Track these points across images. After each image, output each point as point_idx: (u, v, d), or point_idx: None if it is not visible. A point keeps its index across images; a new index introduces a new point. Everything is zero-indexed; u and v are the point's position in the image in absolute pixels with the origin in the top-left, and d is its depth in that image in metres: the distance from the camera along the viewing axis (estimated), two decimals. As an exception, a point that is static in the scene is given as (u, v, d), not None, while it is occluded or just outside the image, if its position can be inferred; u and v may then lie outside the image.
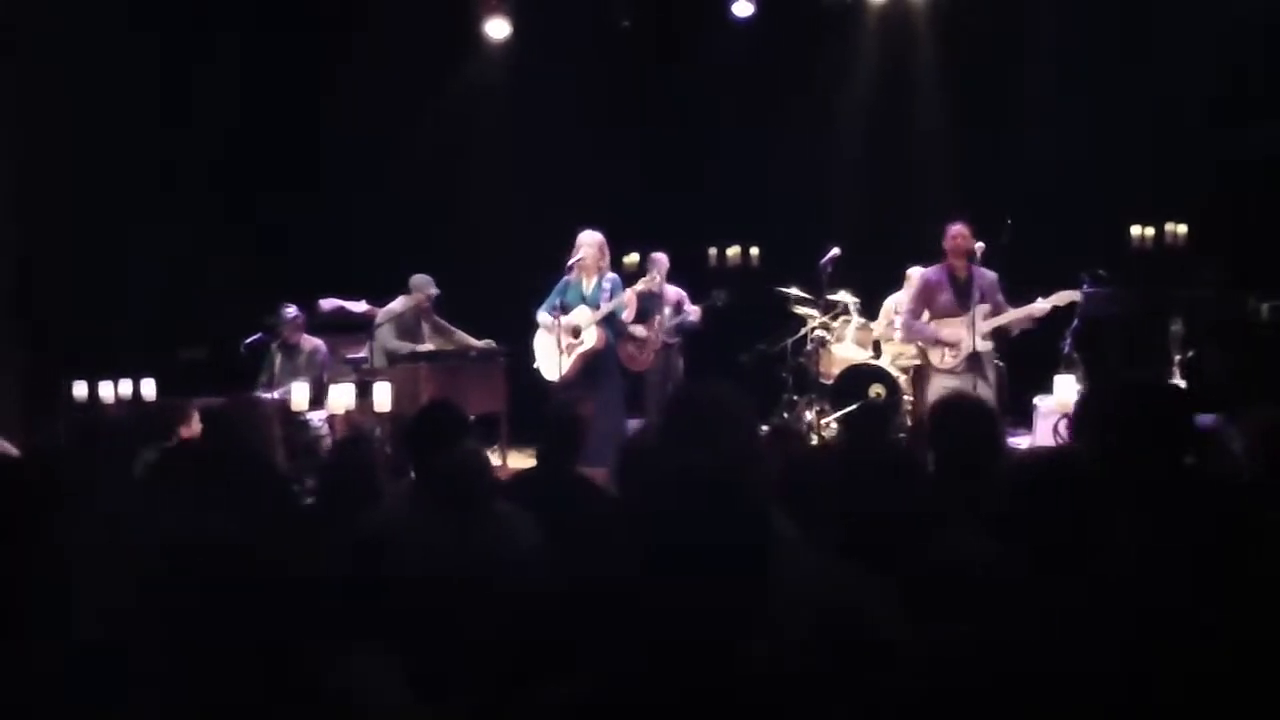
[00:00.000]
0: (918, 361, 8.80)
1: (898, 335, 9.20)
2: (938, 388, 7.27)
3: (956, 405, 3.97)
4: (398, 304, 8.86)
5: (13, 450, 5.92)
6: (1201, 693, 1.96)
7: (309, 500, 4.21)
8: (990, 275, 7.55)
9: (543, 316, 8.13)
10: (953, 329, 7.44)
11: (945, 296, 7.46)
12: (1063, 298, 7.50)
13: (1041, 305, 7.45)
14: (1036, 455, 3.62)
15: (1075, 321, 7.94)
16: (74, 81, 9.50)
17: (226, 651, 2.13)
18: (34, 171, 9.73)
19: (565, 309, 7.98)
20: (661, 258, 9.52)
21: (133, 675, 2.20)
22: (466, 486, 3.51)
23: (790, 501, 2.74)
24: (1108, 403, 2.96)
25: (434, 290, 8.87)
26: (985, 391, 7.23)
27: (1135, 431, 2.83)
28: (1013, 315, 7.42)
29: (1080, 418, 3.11)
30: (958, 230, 7.44)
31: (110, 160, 9.69)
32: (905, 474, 3.09)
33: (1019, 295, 7.68)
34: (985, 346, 7.40)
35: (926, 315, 7.70)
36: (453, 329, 8.93)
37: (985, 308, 7.42)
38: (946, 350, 7.39)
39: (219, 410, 4.47)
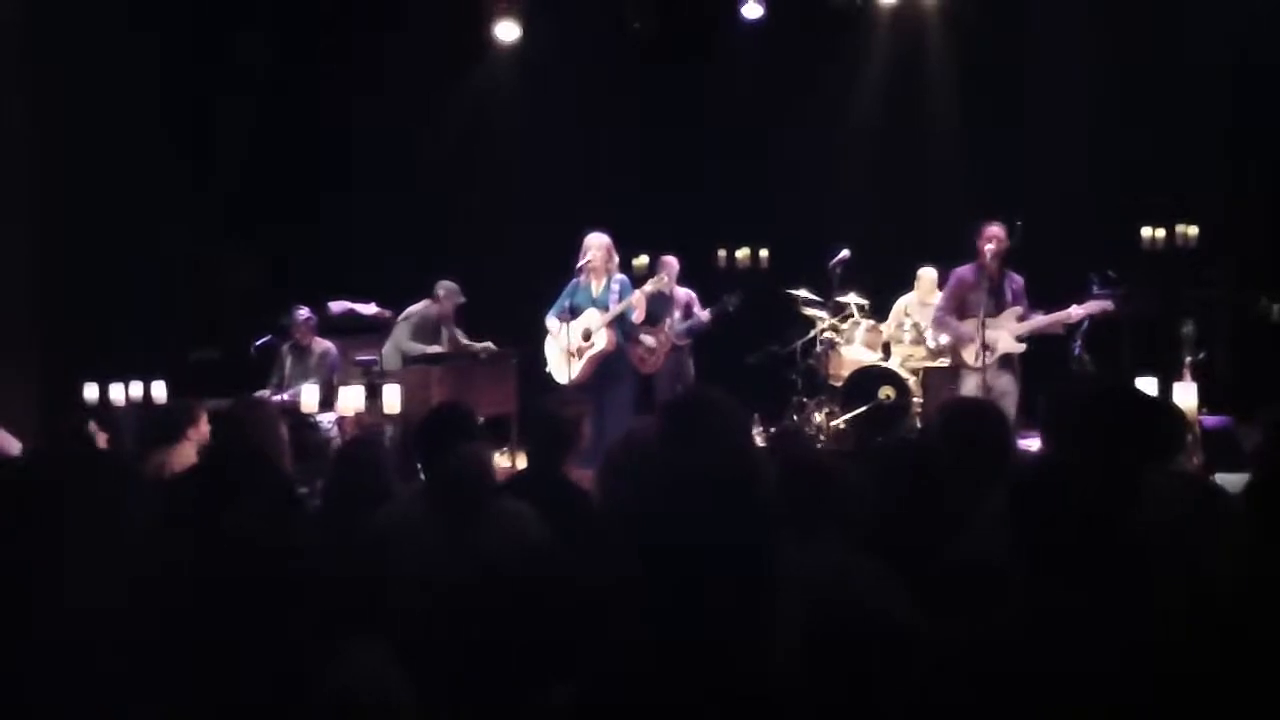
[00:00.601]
0: (928, 363, 8.79)
1: (907, 336, 9.19)
2: (970, 386, 7.25)
3: (965, 407, 3.96)
4: (419, 306, 8.90)
5: (14, 443, 5.94)
6: (1204, 693, 1.95)
7: (317, 502, 4.22)
8: (1019, 278, 7.52)
9: (552, 320, 8.12)
10: (989, 330, 7.39)
11: (979, 296, 7.41)
12: (1094, 306, 7.43)
13: (1077, 311, 7.38)
14: (1044, 457, 3.61)
15: (1085, 323, 7.92)
16: (87, 85, 9.53)
17: (231, 650, 2.14)
18: (46, 174, 9.77)
19: (575, 312, 7.97)
20: (671, 261, 9.52)
21: (137, 673, 2.21)
22: (467, 487, 3.51)
23: (793, 502, 2.73)
24: (1070, 406, 2.95)
25: (460, 299, 8.90)
26: (1013, 391, 7.23)
27: (1096, 434, 2.82)
28: (1047, 320, 7.36)
29: (1045, 422, 3.09)
30: (994, 231, 7.39)
31: (122, 163, 9.72)
32: (917, 474, 3.09)
33: (1030, 297, 7.66)
34: (1018, 348, 7.36)
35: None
36: (471, 343, 8.97)
37: (1017, 309, 7.38)
38: (977, 348, 7.35)
39: (225, 412, 4.47)
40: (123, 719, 2.22)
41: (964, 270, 7.52)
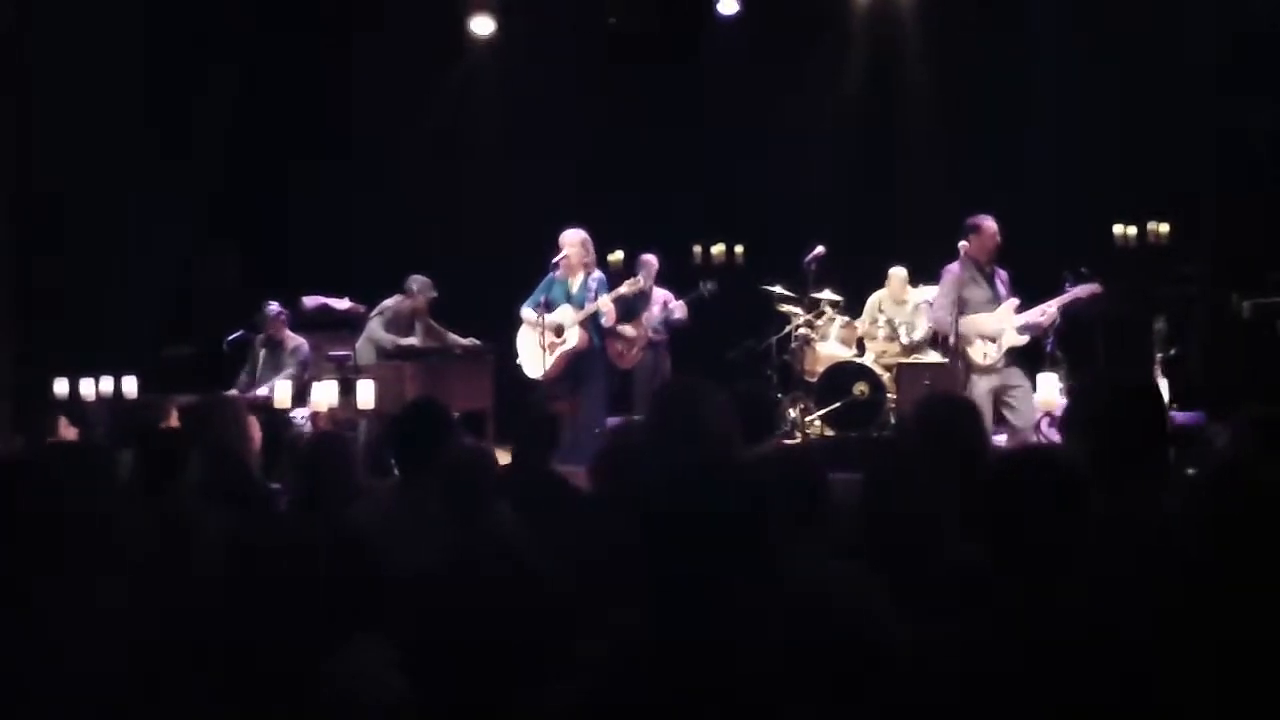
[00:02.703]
0: (902, 359, 8.81)
1: (881, 332, 9.19)
2: (982, 389, 7.09)
3: (939, 403, 3.96)
4: (393, 300, 8.87)
5: None
6: (1193, 691, 1.96)
7: (286, 498, 4.19)
8: (1004, 272, 7.45)
9: (526, 312, 8.12)
10: (993, 324, 7.27)
11: (978, 291, 7.32)
12: (1084, 290, 7.33)
13: (1064, 297, 7.33)
14: (1016, 453, 3.62)
15: (1058, 320, 7.94)
16: (62, 82, 9.45)
17: (221, 647, 2.12)
18: (17, 169, 9.69)
19: (549, 306, 7.97)
20: (651, 259, 9.52)
21: (129, 674, 2.19)
22: (472, 484, 3.50)
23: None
24: (1097, 403, 2.94)
25: (433, 293, 8.86)
26: (1024, 389, 7.07)
27: (1125, 432, 2.81)
28: (1044, 307, 7.26)
29: (1069, 418, 3.08)
30: (984, 223, 7.32)
31: (95, 159, 9.65)
32: (893, 473, 3.09)
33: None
34: (1021, 341, 7.23)
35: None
36: (445, 332, 8.92)
37: (1014, 301, 7.32)
38: (988, 346, 7.27)
39: (190, 408, 4.44)
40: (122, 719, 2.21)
41: (954, 266, 7.45)
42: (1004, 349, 7.20)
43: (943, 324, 7.56)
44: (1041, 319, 7.29)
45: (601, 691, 1.83)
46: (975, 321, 7.28)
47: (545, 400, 4.43)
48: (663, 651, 1.79)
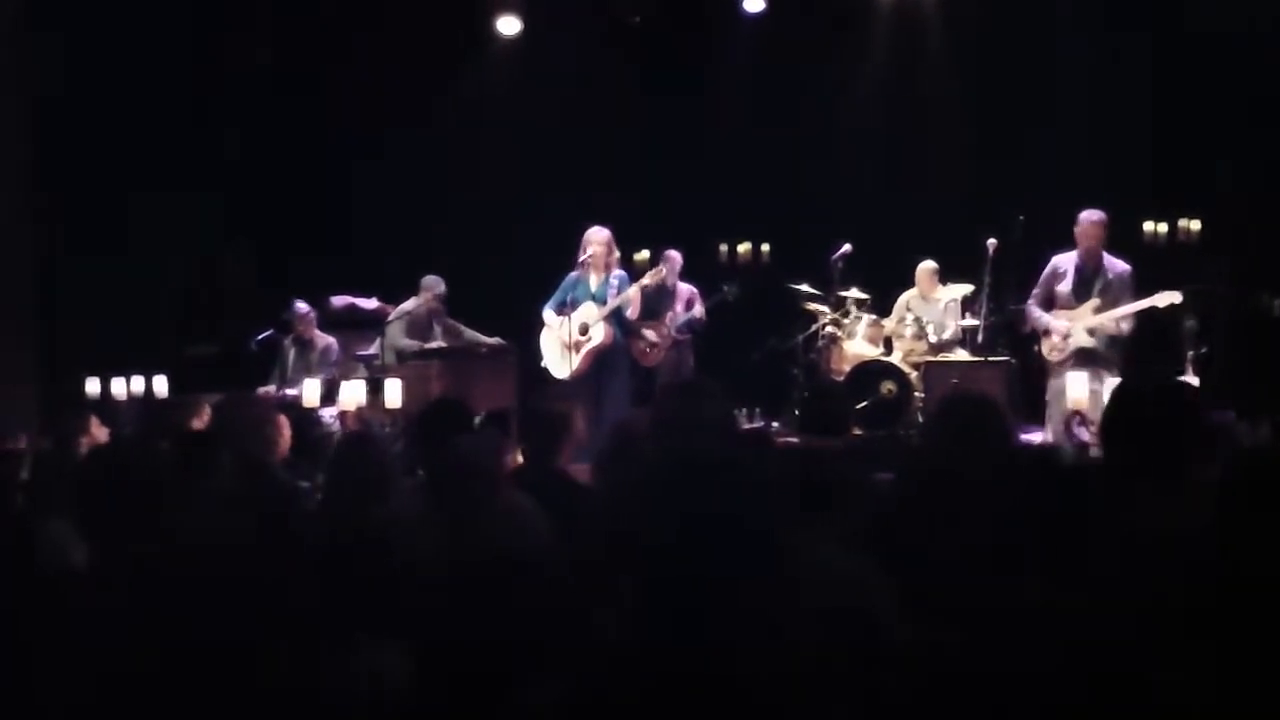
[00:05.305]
0: (930, 358, 8.77)
1: (909, 330, 9.14)
2: (1053, 387, 7.06)
3: (962, 402, 3.96)
4: (409, 304, 8.90)
5: None
6: (1202, 693, 1.95)
7: (317, 497, 4.22)
8: (1121, 267, 7.25)
9: (549, 314, 8.13)
10: (1060, 323, 7.18)
11: (1064, 285, 7.20)
12: (1163, 298, 7.25)
13: (1145, 302, 7.20)
14: (1040, 453, 3.60)
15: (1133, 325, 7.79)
16: (87, 81, 9.54)
17: (228, 647, 2.14)
18: (46, 169, 9.78)
19: (574, 306, 7.99)
20: (674, 255, 9.52)
21: (140, 673, 2.21)
22: (466, 480, 3.50)
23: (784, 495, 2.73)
24: (1142, 407, 2.90)
25: (442, 288, 8.89)
26: (1090, 390, 6.60)
27: (1166, 436, 2.78)
28: (1120, 311, 7.10)
29: (1111, 423, 3.03)
30: (1098, 218, 7.16)
31: (123, 158, 9.73)
32: (915, 471, 3.09)
33: (1023, 291, 7.63)
34: (1089, 342, 7.11)
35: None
36: (463, 329, 8.95)
37: (1095, 302, 7.18)
38: (1054, 341, 7.21)
39: (214, 408, 4.46)
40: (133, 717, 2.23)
41: (1057, 258, 7.32)
42: (1071, 349, 7.10)
43: (1026, 316, 7.46)
44: (1110, 324, 7.16)
45: (597, 691, 1.83)
46: (1044, 318, 7.19)
47: (555, 398, 4.42)
48: (660, 650, 1.79)
